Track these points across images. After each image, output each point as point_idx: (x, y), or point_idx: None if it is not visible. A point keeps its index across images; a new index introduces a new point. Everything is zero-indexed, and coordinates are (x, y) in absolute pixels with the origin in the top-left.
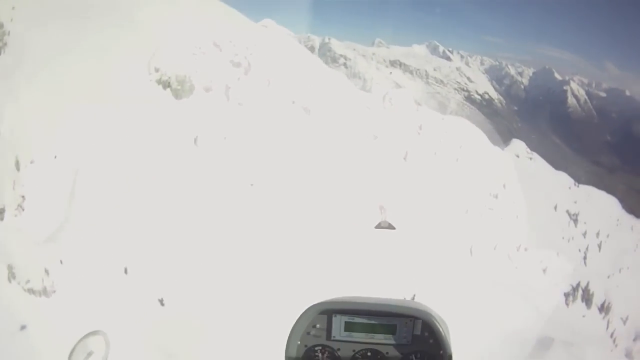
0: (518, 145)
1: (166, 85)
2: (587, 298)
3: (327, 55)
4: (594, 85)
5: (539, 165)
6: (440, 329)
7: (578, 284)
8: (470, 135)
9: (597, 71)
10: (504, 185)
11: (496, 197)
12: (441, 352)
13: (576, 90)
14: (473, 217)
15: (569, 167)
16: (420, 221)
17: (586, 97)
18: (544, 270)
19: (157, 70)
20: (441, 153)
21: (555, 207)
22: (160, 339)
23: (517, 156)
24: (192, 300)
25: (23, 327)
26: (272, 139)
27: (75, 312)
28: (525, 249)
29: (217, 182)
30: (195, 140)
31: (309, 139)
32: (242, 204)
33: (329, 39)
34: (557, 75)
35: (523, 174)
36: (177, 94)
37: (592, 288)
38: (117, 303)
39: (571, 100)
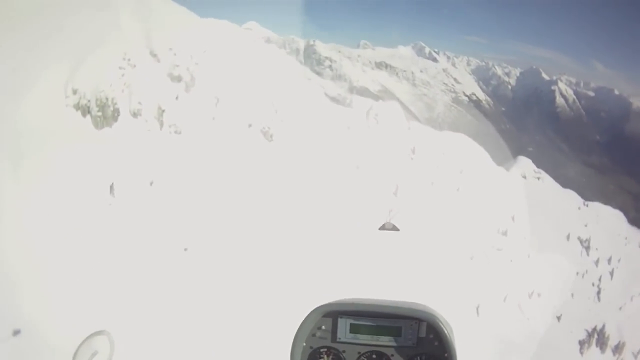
0: (524, 164)
1: (85, 111)
2: (602, 342)
3: (312, 57)
4: (582, 84)
5: (547, 185)
6: (445, 332)
7: (594, 329)
8: (471, 155)
9: (585, 70)
10: (513, 218)
11: (505, 234)
12: (446, 354)
13: (564, 90)
14: (479, 263)
15: (558, 169)
16: (416, 276)
17: (574, 96)
18: (559, 318)
19: (74, 92)
20: (439, 182)
21: (568, 237)
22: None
23: (524, 177)
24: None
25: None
26: (218, 180)
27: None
28: (539, 295)
29: (139, 246)
30: (111, 188)
31: (271, 174)
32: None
33: (314, 41)
34: (544, 75)
35: (532, 200)
36: (97, 122)
37: (607, 330)
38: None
39: (559, 100)
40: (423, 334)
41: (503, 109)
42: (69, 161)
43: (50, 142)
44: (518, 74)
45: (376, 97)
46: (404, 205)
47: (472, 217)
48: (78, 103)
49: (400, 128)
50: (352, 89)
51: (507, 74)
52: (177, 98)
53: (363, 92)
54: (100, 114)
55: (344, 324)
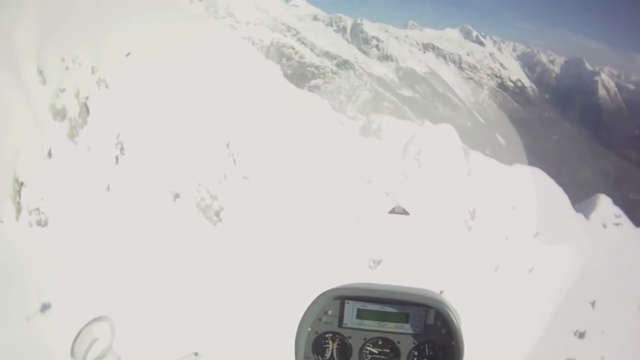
0: (604, 206)
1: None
2: None
3: (359, 36)
4: (623, 77)
5: (627, 231)
6: (454, 319)
7: None
8: (546, 199)
9: (626, 63)
10: (593, 304)
11: (582, 337)
12: (453, 342)
13: (606, 81)
14: None
15: (598, 161)
16: None
17: (616, 89)
18: None
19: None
20: (504, 268)
21: None
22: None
23: (604, 226)
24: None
25: None
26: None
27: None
28: None
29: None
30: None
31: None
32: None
33: (361, 20)
34: (587, 65)
35: (613, 262)
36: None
37: None
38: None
39: (602, 91)
40: (431, 321)
41: (547, 96)
42: None
43: None
44: (562, 62)
45: (423, 80)
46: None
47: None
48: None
49: (453, 165)
50: (398, 70)
51: (552, 62)
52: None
53: (410, 73)
54: None
55: (350, 309)
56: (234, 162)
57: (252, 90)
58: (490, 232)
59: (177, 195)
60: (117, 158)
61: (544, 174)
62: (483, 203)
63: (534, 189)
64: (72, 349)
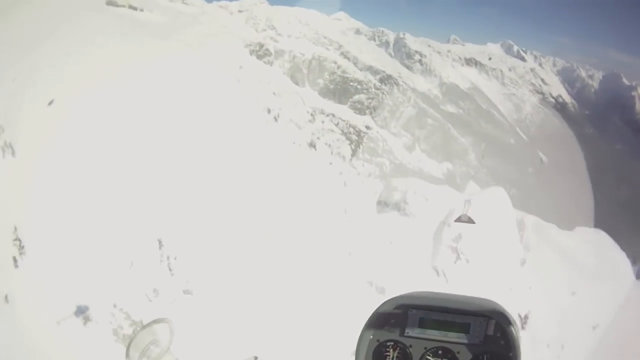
0: None
1: None
2: None
3: (401, 50)
4: None
5: None
6: (513, 331)
7: None
8: (609, 274)
9: None
10: None
11: None
12: (511, 354)
13: None
14: None
15: (633, 176)
16: None
17: None
18: None
19: None
20: None
21: None
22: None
23: None
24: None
25: None
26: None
27: None
28: None
29: None
30: None
31: None
32: None
33: (404, 34)
34: (625, 80)
35: None
36: None
37: None
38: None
39: (639, 106)
40: (491, 332)
41: (586, 112)
42: None
43: None
44: (601, 77)
45: (467, 95)
46: None
47: None
48: None
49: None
50: (442, 85)
51: (591, 77)
52: None
53: (453, 89)
54: None
55: (413, 318)
56: (170, 269)
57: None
58: (543, 342)
59: (87, 319)
60: (15, 260)
61: (608, 237)
62: (537, 301)
63: (596, 264)
64: (128, 350)
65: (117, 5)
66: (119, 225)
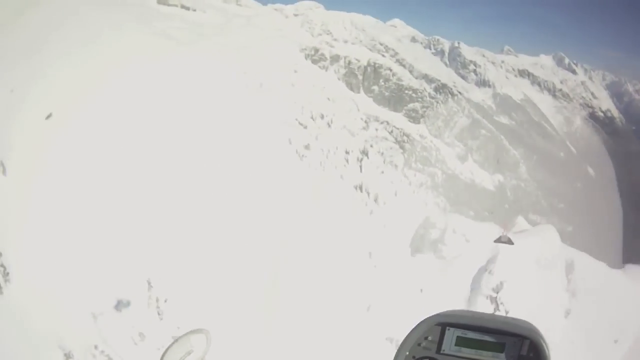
0: None
1: None
2: None
3: (456, 60)
4: None
5: None
6: (547, 352)
7: None
8: None
9: None
10: None
11: None
12: None
13: None
14: None
15: None
16: None
17: None
18: None
19: None
20: None
21: None
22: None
23: None
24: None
25: None
26: None
27: None
28: None
29: None
30: None
31: None
32: None
33: (459, 43)
34: None
35: None
36: None
37: None
38: None
39: None
40: (524, 352)
41: (633, 128)
42: None
43: None
44: None
45: (519, 107)
46: None
47: None
48: None
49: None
50: (495, 96)
51: (638, 92)
52: None
53: (507, 100)
54: None
55: (450, 336)
56: (159, 313)
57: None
58: None
59: (69, 357)
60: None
61: None
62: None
63: None
64: (163, 358)
65: (169, 5)
66: (107, 261)
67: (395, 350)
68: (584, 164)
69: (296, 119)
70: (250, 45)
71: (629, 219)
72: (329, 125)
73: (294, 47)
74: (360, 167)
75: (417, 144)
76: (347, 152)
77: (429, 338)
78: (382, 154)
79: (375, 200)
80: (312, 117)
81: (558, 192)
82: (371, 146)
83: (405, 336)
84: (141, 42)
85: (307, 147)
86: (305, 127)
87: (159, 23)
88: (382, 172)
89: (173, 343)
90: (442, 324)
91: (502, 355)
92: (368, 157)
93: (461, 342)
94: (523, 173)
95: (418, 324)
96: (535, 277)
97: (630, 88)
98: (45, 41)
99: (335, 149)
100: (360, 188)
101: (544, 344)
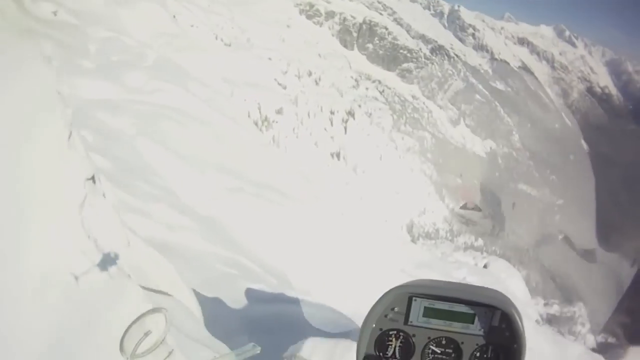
0: None
1: None
2: None
3: (455, 23)
4: None
5: None
6: (519, 322)
7: None
8: None
9: None
10: None
11: None
12: (515, 345)
13: None
14: None
15: None
16: None
17: None
18: None
19: None
20: None
21: None
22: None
23: None
24: None
25: None
26: None
27: None
28: None
29: None
30: None
31: None
32: None
33: (459, 6)
34: None
35: None
36: None
37: None
38: None
39: None
40: (496, 322)
41: (630, 107)
42: None
43: None
44: None
45: (516, 74)
46: None
47: None
48: None
49: None
50: (493, 61)
51: (637, 72)
52: None
53: (504, 66)
54: None
55: (417, 307)
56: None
57: None
58: None
59: None
60: None
61: None
62: None
63: None
64: (122, 342)
65: None
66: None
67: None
68: (578, 137)
69: (275, 79)
70: (242, 0)
71: (619, 198)
72: (317, 83)
73: (289, 2)
74: (345, 128)
75: (408, 105)
76: (332, 113)
77: (396, 309)
78: (370, 115)
79: (354, 170)
80: (297, 75)
81: (550, 163)
82: (359, 106)
83: (370, 308)
84: None
85: (279, 111)
86: (285, 88)
87: None
88: (368, 135)
89: (130, 326)
90: (409, 294)
91: (473, 326)
92: (354, 119)
93: (429, 312)
94: (516, 142)
95: (383, 295)
96: None
97: (630, 68)
98: None
99: (320, 110)
100: (338, 156)
101: (515, 315)
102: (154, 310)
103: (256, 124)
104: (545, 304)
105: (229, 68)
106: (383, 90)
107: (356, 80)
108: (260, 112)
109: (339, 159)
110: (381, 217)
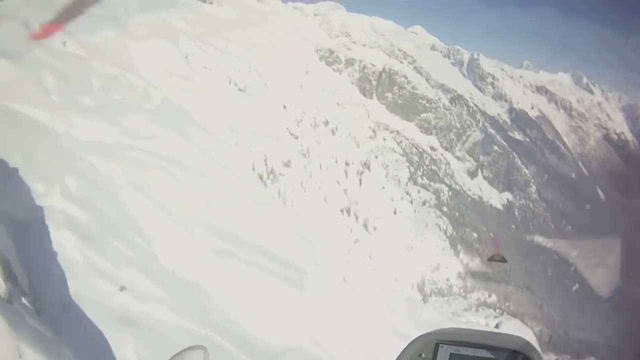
0: None
1: None
2: None
3: (475, 72)
4: None
5: None
6: None
7: None
8: None
9: None
10: None
11: None
12: None
13: None
14: None
15: None
16: None
17: None
18: None
19: None
20: None
21: None
22: None
23: None
24: None
25: None
26: None
27: None
28: None
29: None
30: None
31: None
32: None
33: (478, 54)
34: None
35: None
36: None
37: None
38: None
39: None
40: None
41: None
42: None
43: None
44: None
45: (535, 124)
46: None
47: None
48: None
49: None
50: (511, 111)
51: None
52: None
53: (522, 116)
54: None
55: (444, 353)
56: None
57: None
58: None
59: None
60: None
61: None
62: None
63: None
64: None
65: None
66: None
67: None
68: (594, 186)
69: (287, 128)
70: (261, 43)
71: (636, 246)
72: (333, 133)
73: (309, 48)
74: (360, 180)
75: (426, 157)
76: (347, 164)
77: (423, 355)
78: (387, 166)
79: (365, 226)
80: (313, 124)
81: (566, 213)
82: (376, 157)
83: (398, 354)
84: (143, 32)
85: (287, 164)
86: (297, 138)
87: (167, 14)
88: (383, 188)
89: None
90: (435, 341)
91: None
92: (370, 170)
93: (455, 358)
94: (532, 193)
95: (411, 342)
96: None
97: None
98: None
99: (335, 161)
100: (348, 211)
101: (537, 358)
102: (192, 348)
103: (261, 177)
104: None
105: (238, 115)
106: (401, 141)
107: (374, 130)
108: (266, 164)
109: (349, 214)
110: (391, 275)
